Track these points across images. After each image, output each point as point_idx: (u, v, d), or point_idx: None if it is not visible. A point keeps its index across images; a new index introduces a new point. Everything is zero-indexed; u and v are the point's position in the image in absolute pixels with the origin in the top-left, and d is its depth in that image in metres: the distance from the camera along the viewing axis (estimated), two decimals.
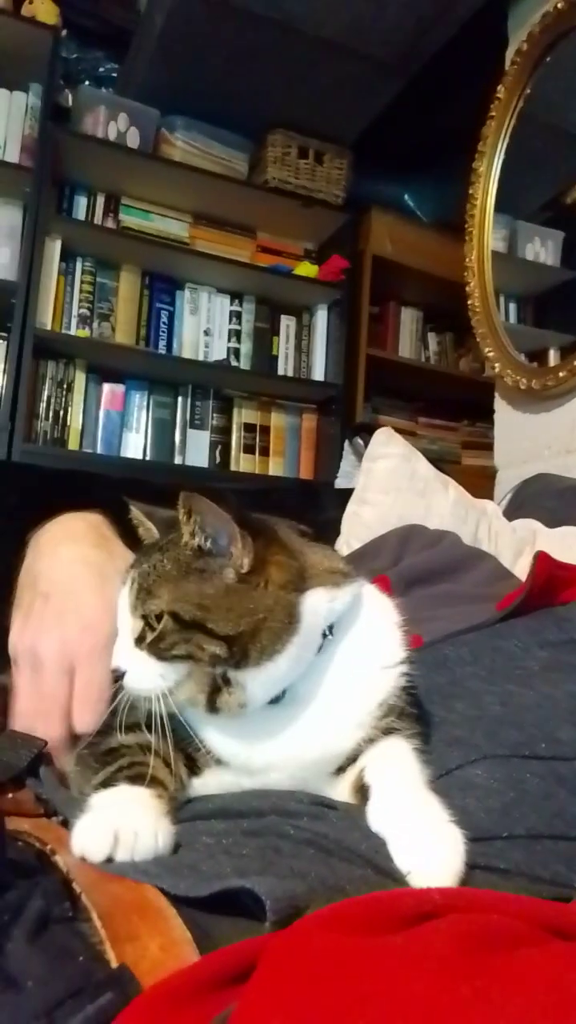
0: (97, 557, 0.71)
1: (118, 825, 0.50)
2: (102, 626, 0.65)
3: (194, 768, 0.61)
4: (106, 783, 0.56)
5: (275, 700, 0.59)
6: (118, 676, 0.58)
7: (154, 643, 0.56)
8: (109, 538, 0.74)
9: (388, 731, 0.61)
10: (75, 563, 0.70)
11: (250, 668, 0.56)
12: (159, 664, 0.56)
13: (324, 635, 0.60)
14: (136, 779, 0.56)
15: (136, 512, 0.66)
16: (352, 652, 0.61)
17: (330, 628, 0.61)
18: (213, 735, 0.60)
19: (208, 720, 0.59)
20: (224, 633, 0.55)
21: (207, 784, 0.61)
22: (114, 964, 0.40)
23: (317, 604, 0.59)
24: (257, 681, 0.56)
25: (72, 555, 0.71)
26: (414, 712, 0.64)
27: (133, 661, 0.57)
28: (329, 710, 0.60)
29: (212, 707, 0.57)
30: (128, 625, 0.59)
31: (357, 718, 0.60)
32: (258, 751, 0.60)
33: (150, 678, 0.56)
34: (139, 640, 0.57)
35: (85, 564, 0.70)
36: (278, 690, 0.58)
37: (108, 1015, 0.36)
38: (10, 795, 0.57)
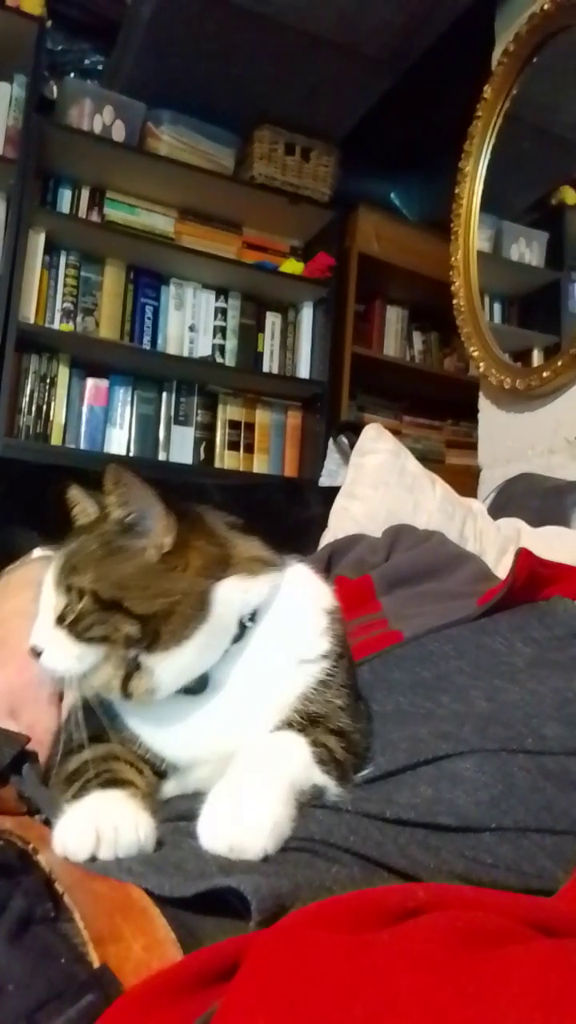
0: (31, 609, 0.72)
1: (99, 822, 0.50)
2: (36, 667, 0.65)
3: (160, 773, 0.61)
4: (78, 794, 0.56)
5: (196, 690, 0.59)
6: (36, 654, 0.58)
7: (73, 623, 0.56)
8: None
9: (313, 723, 0.60)
10: (14, 616, 0.74)
11: (159, 652, 0.56)
12: (76, 645, 0.56)
13: (244, 624, 0.60)
14: (107, 784, 0.56)
15: (75, 493, 0.65)
16: (271, 642, 0.61)
17: (252, 615, 0.60)
18: (144, 729, 0.60)
19: (132, 711, 0.60)
20: (139, 612, 0.55)
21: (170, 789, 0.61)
22: (96, 965, 0.39)
23: (230, 593, 0.59)
24: (164, 666, 0.56)
25: (14, 608, 0.75)
26: (340, 704, 0.62)
27: (51, 641, 0.57)
28: (247, 701, 0.60)
29: (125, 692, 0.57)
30: (51, 603, 0.58)
31: (273, 710, 0.60)
32: (183, 744, 0.60)
33: (66, 660, 0.56)
34: (60, 620, 0.57)
35: (23, 616, 0.71)
36: (188, 677, 0.58)
37: (90, 1017, 0.36)
38: None
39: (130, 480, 0.57)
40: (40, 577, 0.75)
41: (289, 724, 0.59)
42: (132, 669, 0.56)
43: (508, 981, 0.32)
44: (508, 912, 0.40)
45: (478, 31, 2.23)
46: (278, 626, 0.62)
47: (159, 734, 0.60)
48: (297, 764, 0.57)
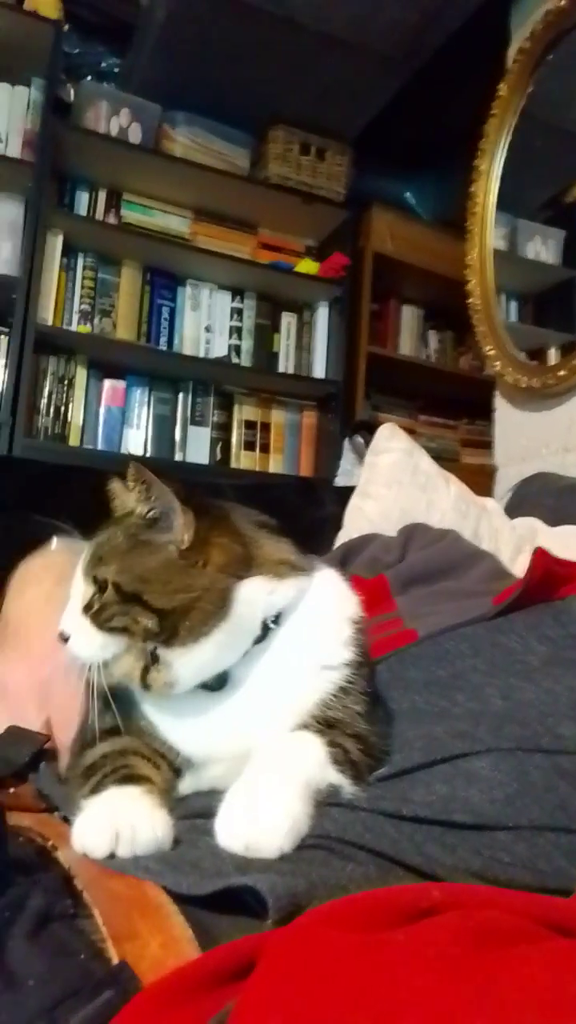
0: (57, 593, 0.73)
1: (117, 820, 0.51)
2: (62, 655, 0.66)
3: (176, 770, 0.61)
4: (95, 790, 0.56)
5: (215, 687, 0.59)
6: (64, 639, 0.59)
7: (97, 613, 0.57)
8: (69, 575, 0.77)
9: (331, 727, 0.60)
10: (35, 603, 0.76)
11: (177, 647, 0.56)
12: (99, 634, 0.57)
13: (267, 625, 0.60)
14: (123, 780, 0.56)
15: (116, 486, 0.66)
16: (294, 646, 0.61)
17: (277, 618, 0.61)
18: (163, 721, 0.61)
19: (152, 702, 0.61)
20: (158, 607, 0.56)
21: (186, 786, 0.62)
22: (115, 962, 0.40)
23: (254, 593, 0.59)
24: (183, 661, 0.57)
25: (34, 598, 0.77)
26: (358, 710, 0.62)
27: (78, 628, 0.59)
28: (266, 702, 0.60)
29: (144, 683, 0.58)
30: (80, 591, 0.60)
31: (292, 713, 0.60)
32: (200, 739, 0.60)
33: (90, 647, 0.58)
34: (86, 608, 0.58)
35: (45, 602, 0.74)
36: (207, 674, 0.59)
37: (108, 1013, 0.36)
38: (11, 790, 0.58)
39: (148, 477, 0.58)
40: (58, 568, 0.76)
41: (306, 727, 0.60)
42: (151, 662, 0.57)
43: (523, 981, 0.32)
44: (523, 912, 0.40)
45: (491, 28, 2.22)
46: (302, 631, 0.62)
47: (177, 727, 0.61)
48: (313, 763, 0.57)
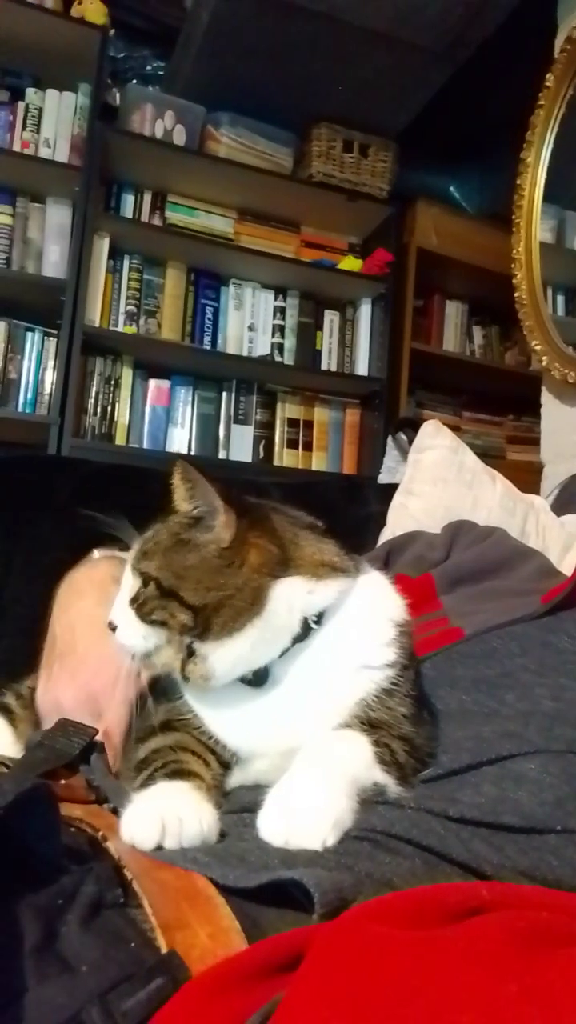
0: (97, 612, 0.75)
1: (164, 813, 0.51)
2: (110, 668, 0.68)
3: (225, 763, 0.62)
4: (145, 784, 0.58)
5: (256, 683, 0.60)
6: (112, 628, 0.62)
7: (140, 605, 0.60)
8: (113, 586, 0.78)
9: (375, 728, 0.60)
10: (80, 621, 0.77)
11: (210, 641, 0.58)
12: (142, 626, 0.60)
13: (310, 624, 0.60)
14: (173, 775, 0.58)
15: (178, 480, 0.67)
16: (335, 646, 0.61)
17: (319, 618, 0.61)
18: (205, 712, 0.62)
19: (194, 694, 0.62)
20: (192, 603, 0.58)
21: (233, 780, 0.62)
22: (164, 950, 0.41)
23: (291, 593, 0.59)
24: (217, 655, 0.58)
25: (79, 613, 0.78)
26: (403, 712, 0.62)
27: (124, 619, 0.61)
28: (306, 700, 0.60)
29: (184, 675, 0.60)
30: (128, 584, 0.62)
31: (333, 712, 0.60)
32: (242, 733, 0.61)
33: (134, 637, 0.60)
34: (133, 600, 0.61)
35: (91, 616, 0.75)
36: (243, 669, 0.60)
37: (159, 1000, 0.37)
38: (63, 781, 0.59)
39: (194, 476, 0.59)
40: (101, 579, 0.78)
41: (349, 727, 0.60)
42: (187, 654, 0.59)
43: (573, 981, 0.32)
44: (573, 913, 0.40)
45: (537, 19, 2.18)
46: (344, 631, 0.62)
47: (219, 720, 0.62)
48: (359, 761, 0.57)
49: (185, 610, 0.58)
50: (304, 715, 0.60)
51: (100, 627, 0.72)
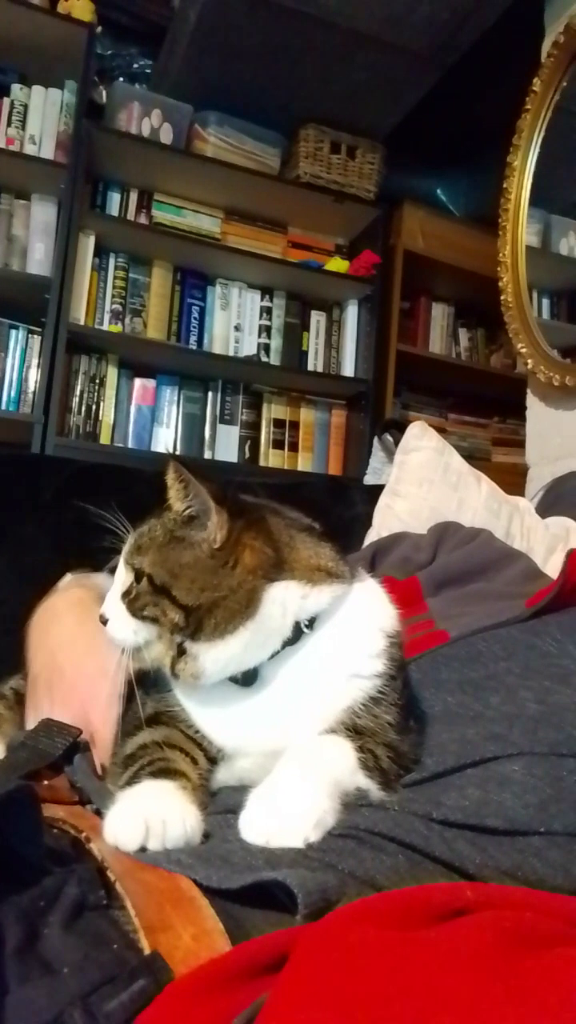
0: (79, 631, 0.75)
1: (147, 814, 0.51)
2: (103, 684, 0.67)
3: (212, 759, 0.62)
4: (131, 781, 0.57)
5: (245, 683, 0.60)
6: (104, 621, 0.62)
7: (132, 600, 0.60)
8: (89, 606, 0.77)
9: (360, 735, 0.60)
10: (62, 645, 0.75)
11: (202, 641, 0.58)
12: (133, 620, 0.60)
13: (302, 628, 0.60)
14: (159, 774, 0.57)
15: (171, 475, 0.66)
16: (325, 652, 0.61)
17: (311, 622, 0.61)
18: (192, 707, 0.62)
19: (186, 693, 0.62)
20: (184, 602, 0.58)
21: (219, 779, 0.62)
22: (147, 952, 0.40)
23: (285, 596, 0.59)
24: (208, 655, 0.58)
25: (58, 637, 0.76)
26: (389, 720, 0.62)
27: (116, 612, 0.61)
28: (293, 703, 0.60)
29: (173, 672, 0.60)
30: (121, 577, 0.62)
31: (320, 716, 0.60)
32: (227, 730, 0.61)
33: (124, 631, 0.60)
34: (125, 594, 0.61)
35: (72, 641, 0.74)
36: (233, 669, 0.59)
37: (142, 1001, 0.36)
38: (46, 782, 0.58)
39: (186, 476, 0.59)
40: (76, 602, 0.78)
41: (335, 732, 0.60)
42: (178, 653, 0.59)
43: (558, 982, 0.32)
44: (557, 914, 0.40)
45: (525, 24, 2.20)
46: (335, 638, 0.62)
47: (206, 716, 0.62)
48: (343, 766, 0.57)
49: (177, 609, 0.58)
50: (291, 718, 0.60)
51: (83, 644, 0.72)
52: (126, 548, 0.63)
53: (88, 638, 0.72)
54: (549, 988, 0.32)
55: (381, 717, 0.61)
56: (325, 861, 0.49)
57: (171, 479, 0.61)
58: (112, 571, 0.69)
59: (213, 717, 0.62)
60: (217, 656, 0.58)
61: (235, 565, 0.59)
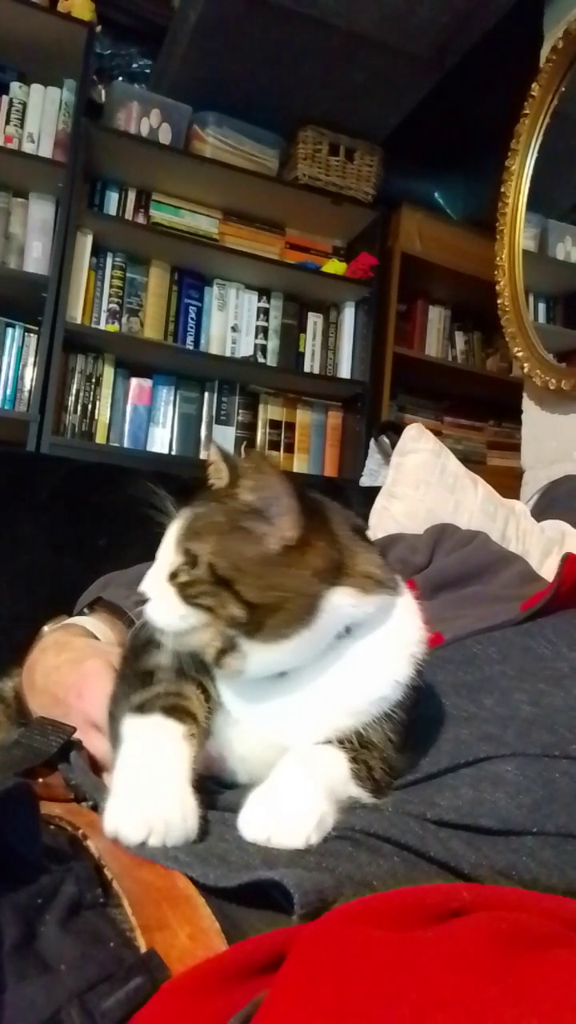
0: (58, 660, 0.75)
1: (150, 813, 0.51)
2: (97, 691, 0.67)
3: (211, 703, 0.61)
4: (143, 707, 0.57)
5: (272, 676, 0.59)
6: (142, 601, 0.59)
7: (184, 585, 0.57)
8: (67, 641, 0.79)
9: (363, 747, 0.60)
10: (48, 673, 0.75)
11: (258, 641, 0.56)
12: (182, 605, 0.57)
13: (339, 634, 0.59)
14: (170, 711, 0.57)
15: (215, 452, 0.65)
16: (357, 663, 0.60)
17: (347, 629, 0.59)
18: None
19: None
20: (248, 599, 0.55)
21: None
22: (143, 951, 0.40)
23: (340, 604, 0.57)
24: (259, 655, 0.56)
25: (44, 667, 0.76)
26: (392, 738, 0.61)
27: (161, 595, 0.58)
28: (309, 706, 0.59)
29: (216, 663, 0.58)
30: (167, 559, 0.59)
31: (330, 723, 0.59)
32: (245, 714, 0.60)
33: (170, 615, 0.57)
34: (172, 576, 0.57)
35: (55, 671, 0.75)
36: (275, 670, 0.58)
37: (138, 1000, 0.37)
38: (41, 780, 0.58)
39: (268, 470, 0.57)
40: (57, 637, 0.79)
41: (340, 742, 0.59)
42: (228, 647, 0.56)
43: (553, 983, 0.32)
44: (553, 915, 0.40)
45: (524, 29, 2.21)
46: (368, 652, 0.60)
47: (229, 692, 0.61)
48: (336, 775, 0.57)
49: (239, 604, 0.55)
50: (303, 717, 0.60)
51: (66, 667, 0.72)
52: (178, 529, 0.59)
53: (69, 664, 0.73)
54: (545, 989, 0.32)
55: (387, 734, 0.60)
56: (322, 865, 0.49)
57: (248, 468, 0.57)
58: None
59: (238, 696, 0.61)
60: (267, 658, 0.57)
61: (303, 566, 0.56)
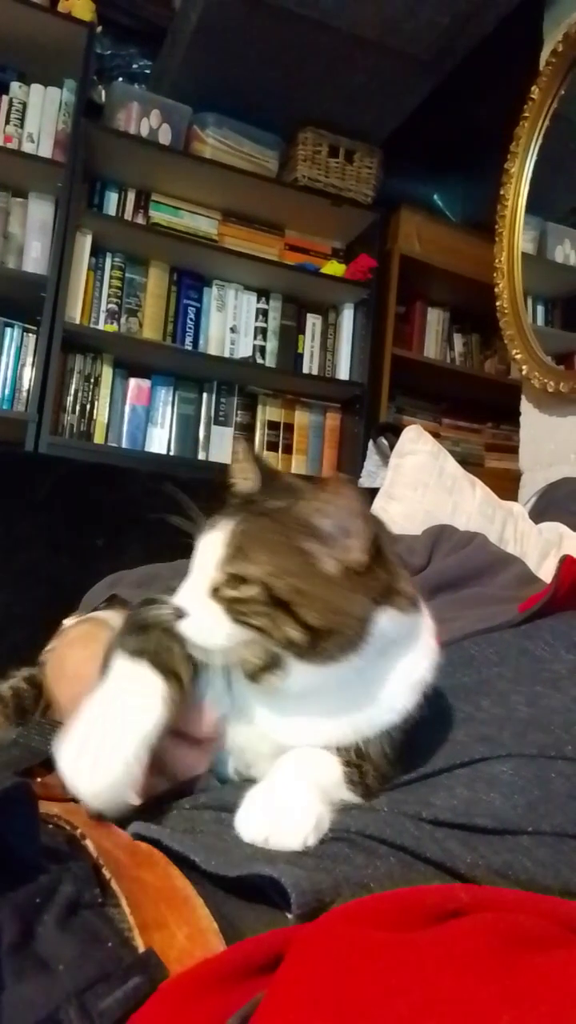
0: (88, 655, 0.73)
1: (93, 760, 0.52)
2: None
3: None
4: (134, 653, 0.57)
5: None
6: (177, 616, 0.56)
7: (234, 603, 0.54)
8: (97, 636, 0.76)
9: (359, 756, 0.59)
10: (77, 672, 0.73)
11: (308, 663, 0.54)
12: (229, 623, 0.54)
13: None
14: (158, 666, 0.56)
15: (245, 452, 0.64)
16: (371, 678, 0.58)
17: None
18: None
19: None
20: (309, 622, 0.53)
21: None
22: (141, 950, 0.40)
23: (384, 627, 0.56)
24: (303, 676, 0.55)
25: (74, 668, 0.74)
26: (388, 752, 0.61)
27: (200, 609, 0.55)
28: (319, 717, 0.59)
29: (254, 678, 0.55)
30: (207, 573, 0.55)
31: (334, 730, 0.59)
32: (250, 709, 0.60)
33: (214, 633, 0.54)
34: (215, 591, 0.55)
35: (84, 666, 0.72)
36: (313, 689, 0.57)
37: (137, 999, 0.37)
38: (39, 779, 0.58)
39: (349, 497, 0.54)
40: (87, 628, 0.77)
41: (337, 751, 0.59)
42: (272, 664, 0.55)
43: (551, 984, 0.32)
44: (550, 916, 0.40)
45: (524, 32, 2.21)
46: (385, 671, 0.59)
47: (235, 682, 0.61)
48: (331, 778, 0.57)
49: (298, 627, 0.53)
50: (305, 726, 0.59)
51: (93, 668, 0.70)
52: (218, 542, 0.56)
53: (97, 661, 0.71)
54: (544, 990, 0.32)
55: (384, 748, 0.60)
56: (320, 867, 0.49)
57: (329, 495, 0.54)
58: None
59: (240, 691, 0.60)
60: (310, 679, 0.55)
61: (362, 590, 0.55)
